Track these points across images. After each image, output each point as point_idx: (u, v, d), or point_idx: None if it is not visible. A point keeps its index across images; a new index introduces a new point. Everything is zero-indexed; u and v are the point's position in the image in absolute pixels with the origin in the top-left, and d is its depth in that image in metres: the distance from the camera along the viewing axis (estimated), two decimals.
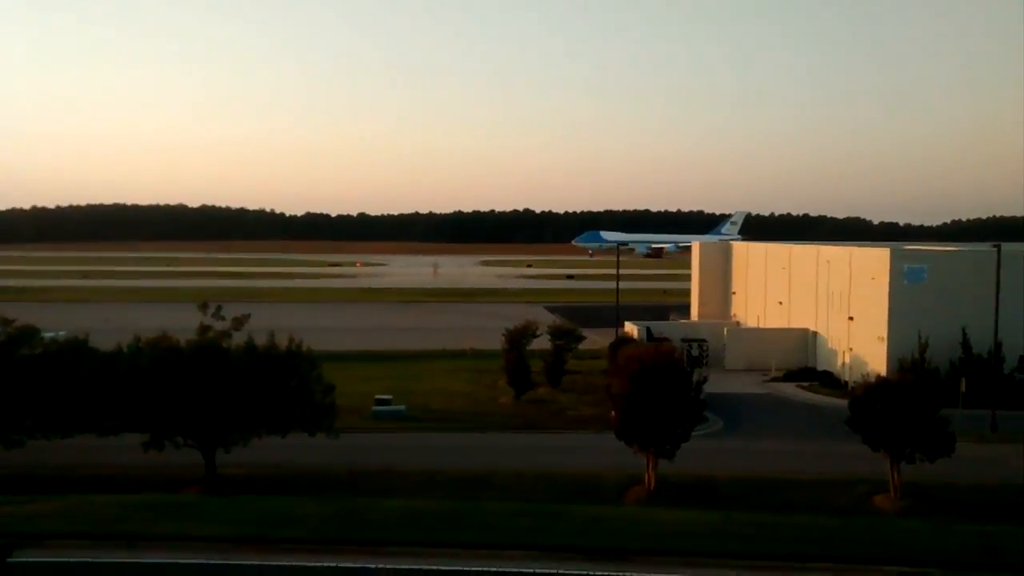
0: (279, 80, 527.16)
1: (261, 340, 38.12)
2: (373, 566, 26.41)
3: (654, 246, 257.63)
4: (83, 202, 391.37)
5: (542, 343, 65.10)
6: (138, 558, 27.32)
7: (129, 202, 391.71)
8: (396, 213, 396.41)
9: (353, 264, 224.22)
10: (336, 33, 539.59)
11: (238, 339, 37.93)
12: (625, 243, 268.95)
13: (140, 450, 36.05)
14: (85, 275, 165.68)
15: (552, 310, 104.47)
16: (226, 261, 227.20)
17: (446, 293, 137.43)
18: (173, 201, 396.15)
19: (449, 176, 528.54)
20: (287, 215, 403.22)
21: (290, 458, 39.86)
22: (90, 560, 27.19)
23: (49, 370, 36.97)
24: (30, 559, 25.20)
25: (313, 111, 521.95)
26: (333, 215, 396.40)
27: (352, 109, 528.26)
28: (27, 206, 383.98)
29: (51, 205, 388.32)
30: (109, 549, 27.98)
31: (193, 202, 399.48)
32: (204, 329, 37.74)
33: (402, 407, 52.33)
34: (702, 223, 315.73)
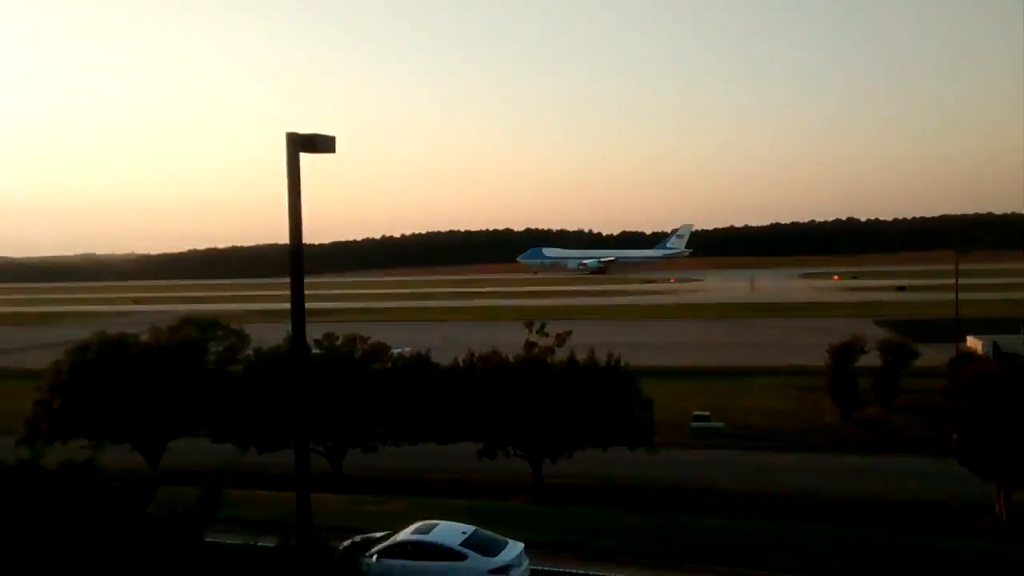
0: (593, 107, 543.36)
1: (582, 356, 39.69)
2: None
3: (584, 262, 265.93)
4: (423, 230, 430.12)
5: (870, 359, 61.10)
6: None
7: (462, 228, 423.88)
8: (711, 228, 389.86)
9: (668, 280, 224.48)
10: (632, 58, 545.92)
11: (560, 355, 39.80)
12: (561, 259, 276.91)
13: (475, 458, 38.92)
14: (427, 296, 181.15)
15: (881, 324, 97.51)
16: (548, 280, 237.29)
17: (764, 307, 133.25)
18: (500, 226, 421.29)
19: (765, 187, 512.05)
20: (604, 234, 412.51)
21: (611, 471, 40.90)
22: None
23: (397, 383, 41.22)
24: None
25: (624, 132, 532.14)
26: (648, 232, 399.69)
27: (660, 127, 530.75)
28: (377, 236, 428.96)
29: (397, 234, 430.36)
30: None
31: (518, 226, 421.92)
32: (530, 346, 40.05)
33: (720, 424, 51.71)
34: None
